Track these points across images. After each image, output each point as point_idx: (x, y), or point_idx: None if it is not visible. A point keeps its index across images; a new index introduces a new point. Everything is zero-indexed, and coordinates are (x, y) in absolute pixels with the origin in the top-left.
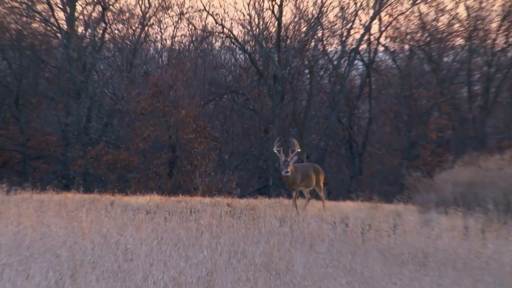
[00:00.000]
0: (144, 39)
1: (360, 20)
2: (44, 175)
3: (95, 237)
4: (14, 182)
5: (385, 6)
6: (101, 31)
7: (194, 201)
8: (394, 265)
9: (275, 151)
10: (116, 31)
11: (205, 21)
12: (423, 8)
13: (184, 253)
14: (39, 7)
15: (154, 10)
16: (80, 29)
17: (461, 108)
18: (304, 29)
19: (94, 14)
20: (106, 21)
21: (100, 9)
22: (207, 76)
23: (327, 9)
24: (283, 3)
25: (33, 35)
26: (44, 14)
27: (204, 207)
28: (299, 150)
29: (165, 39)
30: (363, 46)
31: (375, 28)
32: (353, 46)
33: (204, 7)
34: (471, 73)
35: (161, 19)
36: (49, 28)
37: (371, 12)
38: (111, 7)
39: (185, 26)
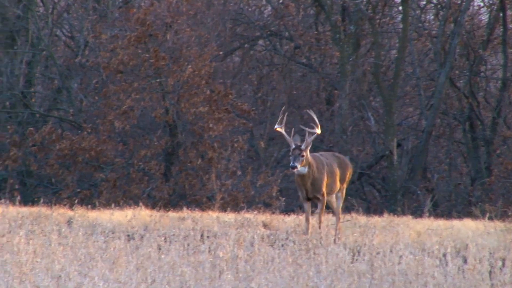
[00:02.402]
0: None
1: None
2: None
3: (41, 280)
4: None
5: None
6: None
7: (208, 218)
8: None
9: (279, 129)
10: None
11: None
12: None
13: None
14: None
15: None
16: None
17: None
18: None
19: None
20: None
21: None
22: (229, 9)
23: None
24: None
25: None
26: None
27: (224, 228)
28: (319, 132)
29: None
30: None
31: None
32: None
33: None
34: None
35: None
36: None
37: None
38: None
39: None
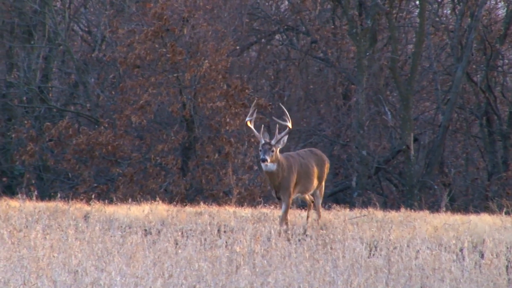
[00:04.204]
0: None
1: None
2: None
3: (59, 275)
4: None
5: None
6: None
7: (225, 213)
8: None
9: (249, 124)
10: None
11: None
12: None
13: None
14: None
15: None
16: None
17: None
18: None
19: None
20: None
21: None
22: (246, 3)
23: None
24: None
25: None
26: None
27: (241, 223)
28: (290, 127)
29: None
30: None
31: None
32: None
33: None
34: None
35: None
36: None
37: None
38: None
39: None
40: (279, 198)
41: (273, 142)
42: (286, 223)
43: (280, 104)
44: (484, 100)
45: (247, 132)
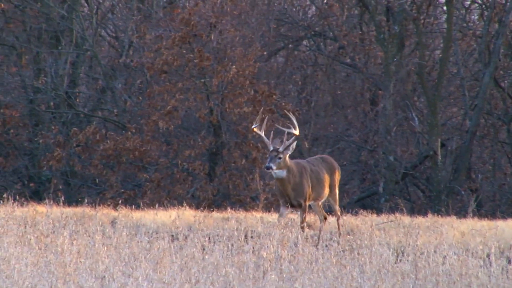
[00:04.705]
0: None
1: None
2: None
3: (85, 280)
4: None
5: None
6: None
7: (252, 219)
8: None
9: (255, 129)
10: None
11: None
12: None
13: None
14: None
15: None
16: None
17: None
18: None
19: None
20: None
21: None
22: (273, 9)
23: None
24: None
25: None
26: None
27: (268, 229)
28: (297, 133)
29: None
30: None
31: None
32: None
33: None
34: None
35: None
36: None
37: None
38: None
39: None
40: (292, 205)
41: (280, 149)
42: (303, 228)
43: (286, 111)
44: None
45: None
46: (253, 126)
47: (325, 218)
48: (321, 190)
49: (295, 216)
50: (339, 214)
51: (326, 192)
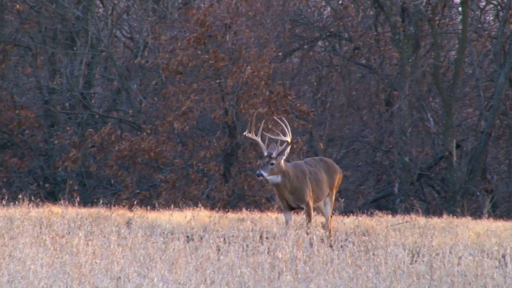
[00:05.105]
0: None
1: None
2: (14, 176)
3: (101, 281)
4: None
5: None
6: None
7: (267, 219)
8: None
9: (249, 135)
10: None
11: None
12: None
13: None
14: None
15: None
16: None
17: None
18: None
19: None
20: None
21: None
22: (288, 10)
23: None
24: None
25: None
26: None
27: (283, 229)
28: (289, 140)
29: None
30: None
31: None
32: None
33: None
34: None
35: None
36: None
37: None
38: None
39: None
40: (292, 208)
41: (274, 154)
42: (308, 228)
43: (275, 117)
44: None
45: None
46: (244, 133)
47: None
48: (320, 192)
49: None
50: (331, 222)
51: (325, 193)
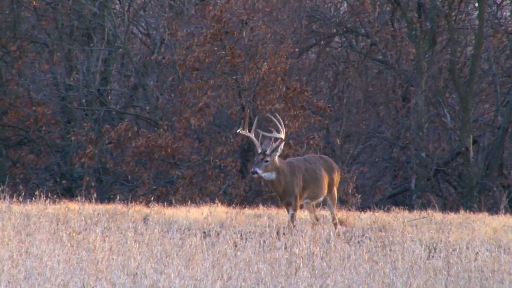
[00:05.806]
0: None
1: None
2: (31, 173)
3: (118, 277)
4: None
5: None
6: None
7: (284, 215)
8: None
9: (242, 132)
10: None
11: None
12: None
13: None
14: None
15: None
16: None
17: None
18: None
19: None
20: None
21: None
22: (305, 5)
23: None
24: None
25: None
26: None
27: (300, 225)
28: (283, 136)
29: None
30: None
31: None
32: None
33: None
34: None
35: None
36: None
37: None
38: None
39: None
40: (285, 204)
41: (268, 151)
42: (294, 227)
43: (269, 115)
44: None
45: (306, 134)
46: (238, 130)
47: (317, 220)
48: (317, 189)
49: (327, 212)
50: (335, 216)
51: (324, 191)
